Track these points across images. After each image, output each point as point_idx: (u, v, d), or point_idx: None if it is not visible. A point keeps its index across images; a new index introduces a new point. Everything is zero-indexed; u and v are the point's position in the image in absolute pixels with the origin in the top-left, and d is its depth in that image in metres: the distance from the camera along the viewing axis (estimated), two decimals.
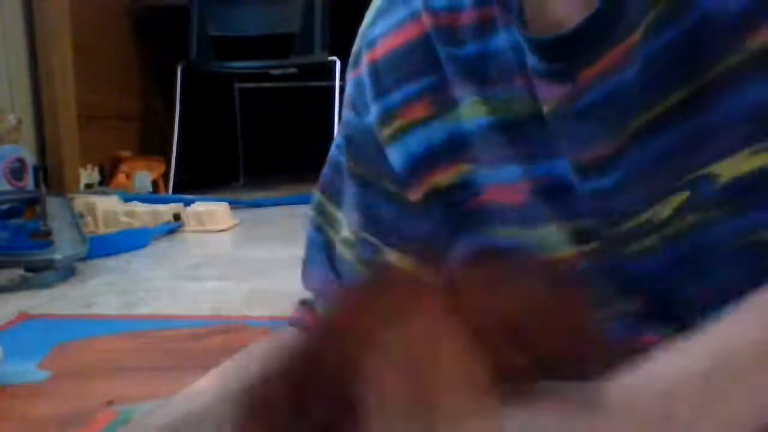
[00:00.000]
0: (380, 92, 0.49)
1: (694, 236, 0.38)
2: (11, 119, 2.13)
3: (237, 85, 3.62)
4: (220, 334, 1.04)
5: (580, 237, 0.43)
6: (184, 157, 2.92)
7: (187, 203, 2.24)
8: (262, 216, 2.41)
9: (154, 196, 2.66)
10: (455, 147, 0.46)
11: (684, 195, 0.38)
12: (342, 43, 3.19)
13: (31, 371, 0.84)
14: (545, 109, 0.42)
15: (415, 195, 0.48)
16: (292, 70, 3.02)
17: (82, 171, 2.57)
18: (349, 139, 0.52)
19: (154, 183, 2.87)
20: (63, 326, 1.12)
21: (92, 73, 2.65)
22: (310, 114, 3.31)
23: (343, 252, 0.52)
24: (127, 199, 2.24)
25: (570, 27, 0.40)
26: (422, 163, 0.47)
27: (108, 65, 2.83)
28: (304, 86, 3.29)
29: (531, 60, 0.42)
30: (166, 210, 2.13)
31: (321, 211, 0.54)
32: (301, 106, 3.60)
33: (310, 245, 0.55)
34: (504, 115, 0.45)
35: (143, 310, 1.26)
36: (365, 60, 0.50)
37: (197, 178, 3.09)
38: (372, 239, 0.50)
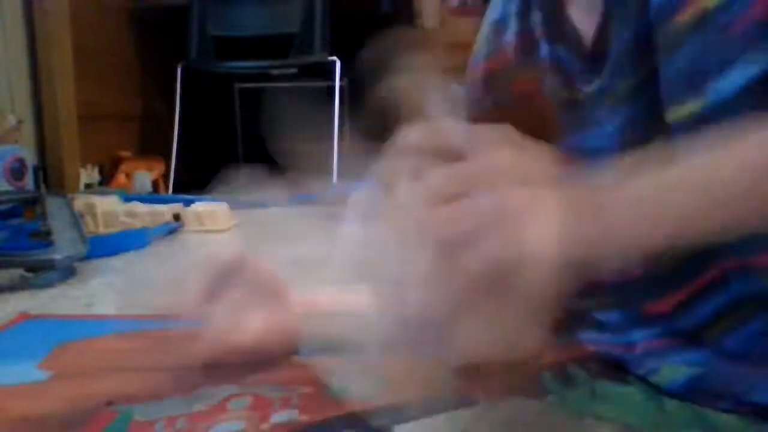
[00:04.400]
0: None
1: None
2: (11, 119, 2.13)
3: (237, 85, 3.62)
4: None
5: None
6: (184, 157, 2.91)
7: (187, 203, 2.23)
8: (262, 216, 2.41)
9: (154, 196, 2.66)
10: None
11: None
12: (342, 43, 3.20)
13: (31, 371, 0.84)
14: (589, 90, 0.60)
15: None
16: (292, 70, 3.02)
17: (82, 171, 2.57)
18: None
19: (154, 183, 2.87)
20: (63, 326, 1.11)
21: (92, 73, 2.65)
22: (310, 114, 3.30)
23: None
24: (127, 199, 2.23)
25: (591, 37, 0.59)
26: None
27: (108, 65, 2.83)
28: (304, 86, 3.29)
29: (575, 66, 0.61)
30: (166, 210, 2.13)
31: None
32: (301, 106, 3.60)
33: None
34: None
35: (143, 310, 1.26)
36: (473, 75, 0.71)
37: (197, 178, 3.08)
38: None
